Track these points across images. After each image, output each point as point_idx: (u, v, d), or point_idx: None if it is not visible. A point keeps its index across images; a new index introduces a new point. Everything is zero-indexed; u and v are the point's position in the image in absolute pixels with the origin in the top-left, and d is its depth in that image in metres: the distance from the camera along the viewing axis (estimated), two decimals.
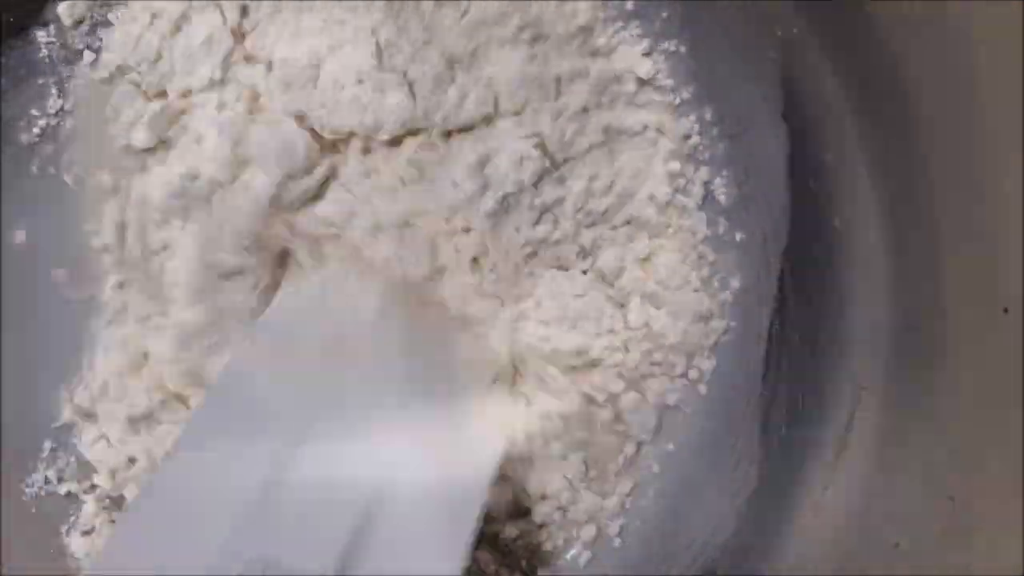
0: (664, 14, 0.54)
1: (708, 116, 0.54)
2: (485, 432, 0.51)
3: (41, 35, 0.56)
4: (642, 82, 0.54)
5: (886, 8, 0.48)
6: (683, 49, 0.54)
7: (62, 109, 0.56)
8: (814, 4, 0.53)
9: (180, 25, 0.54)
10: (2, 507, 0.55)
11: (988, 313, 0.44)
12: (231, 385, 0.49)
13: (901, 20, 0.48)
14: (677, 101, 0.54)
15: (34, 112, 0.56)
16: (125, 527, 0.45)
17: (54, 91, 0.56)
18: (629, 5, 0.54)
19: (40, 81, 0.56)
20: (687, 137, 0.54)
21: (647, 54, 0.54)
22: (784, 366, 0.56)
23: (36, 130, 0.56)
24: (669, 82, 0.54)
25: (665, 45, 0.54)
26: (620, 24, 0.54)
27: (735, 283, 0.55)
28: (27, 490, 0.56)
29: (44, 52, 0.56)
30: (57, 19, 0.56)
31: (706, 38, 0.54)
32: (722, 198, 0.55)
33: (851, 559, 0.51)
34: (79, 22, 0.56)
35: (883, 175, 0.53)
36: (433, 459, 0.47)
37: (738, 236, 0.54)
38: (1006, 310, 0.43)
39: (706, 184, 0.55)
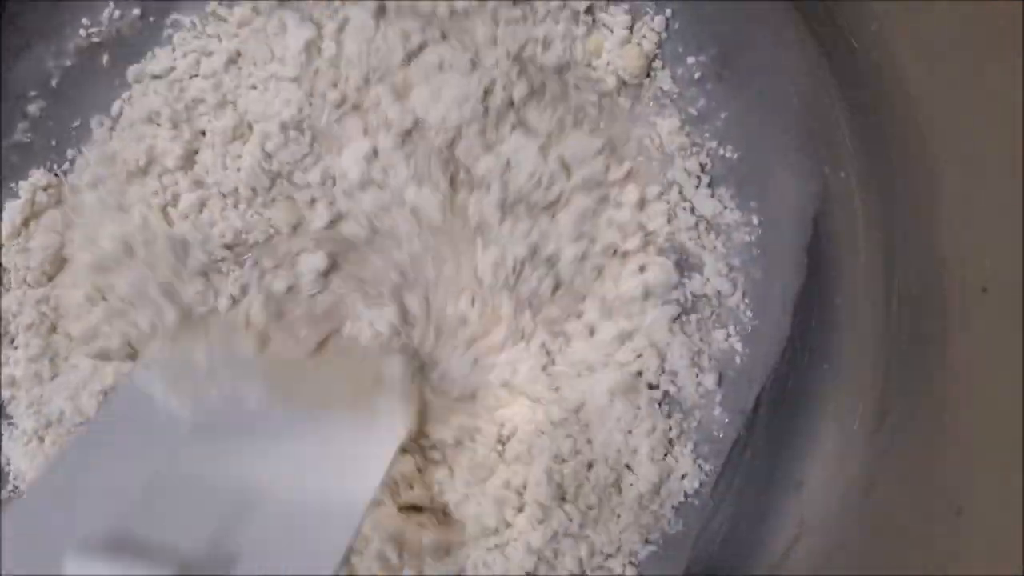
0: None
1: None
2: (376, 434, 0.53)
3: None
4: None
5: None
6: None
7: None
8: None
9: None
10: None
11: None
12: (130, 389, 0.52)
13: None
14: None
15: None
16: (23, 501, 0.47)
17: None
18: None
19: None
20: None
21: None
22: (734, 485, 0.57)
23: None
24: None
25: None
26: None
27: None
28: None
29: None
30: None
31: None
32: None
33: None
34: None
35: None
36: (317, 458, 0.50)
37: None
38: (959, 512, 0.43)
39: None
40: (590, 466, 0.56)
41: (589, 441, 0.56)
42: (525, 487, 0.55)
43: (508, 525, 0.55)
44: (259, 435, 0.51)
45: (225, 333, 0.55)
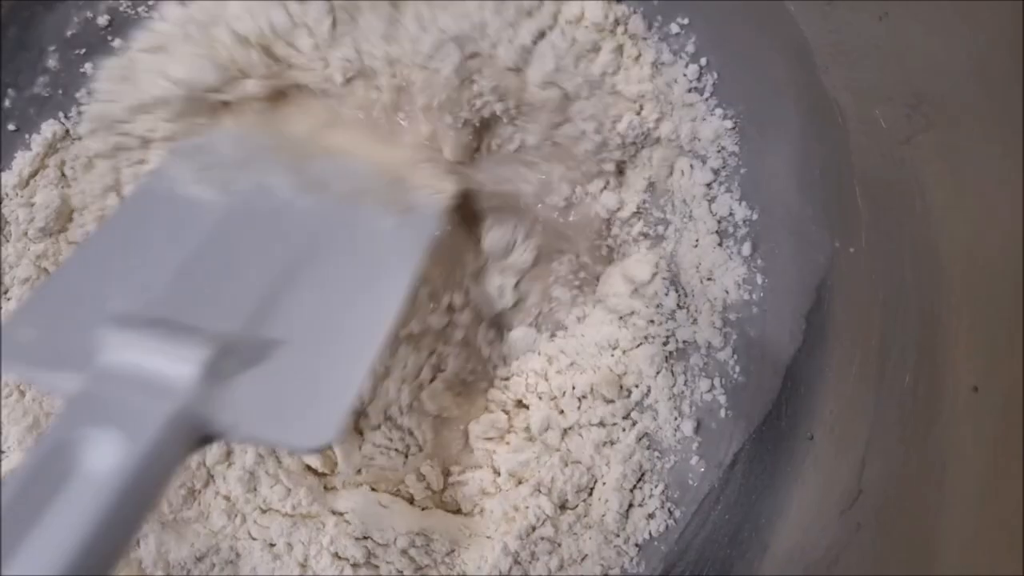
0: None
1: None
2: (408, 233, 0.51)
3: None
4: None
5: None
6: None
7: None
8: None
9: None
10: None
11: None
12: (157, 178, 0.51)
13: None
14: None
15: None
16: (50, 283, 0.47)
17: None
18: None
19: None
20: None
21: None
22: (701, 535, 0.58)
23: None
24: None
25: None
26: None
27: None
28: None
29: None
30: None
31: None
32: None
33: None
34: None
35: None
36: (349, 251, 0.49)
37: None
38: None
39: None
40: (566, 464, 0.57)
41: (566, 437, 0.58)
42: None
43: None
44: (290, 223, 0.49)
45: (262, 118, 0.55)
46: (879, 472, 0.50)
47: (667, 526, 0.58)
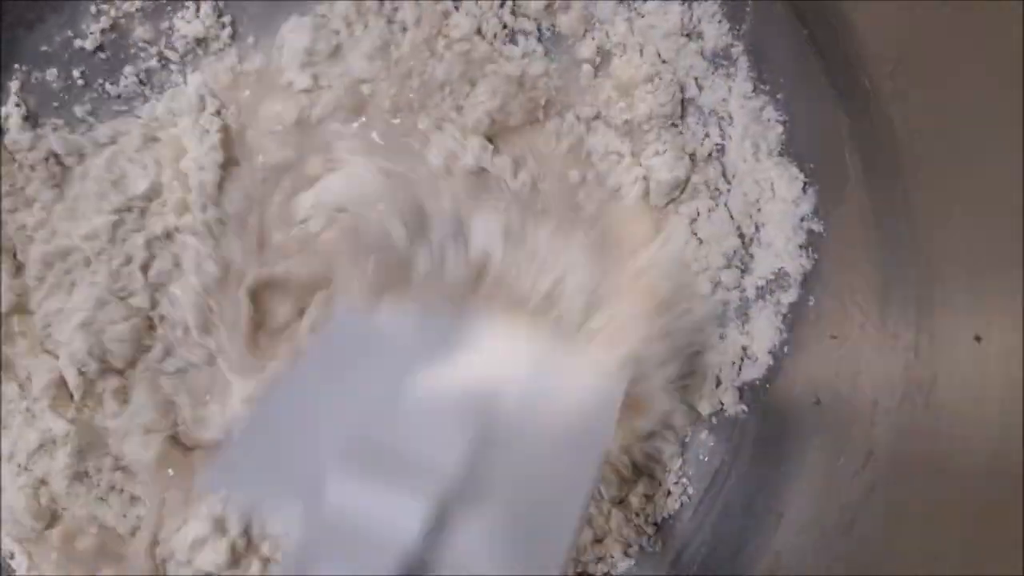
0: None
1: None
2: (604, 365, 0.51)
3: None
4: None
5: None
6: None
7: None
8: None
9: None
10: None
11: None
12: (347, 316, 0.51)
13: None
14: None
15: None
16: (241, 433, 0.47)
17: None
18: None
19: None
20: None
21: None
22: (715, 509, 0.58)
23: None
24: None
25: None
26: None
27: None
28: None
29: None
30: None
31: None
32: None
33: None
34: None
35: None
36: (554, 383, 0.49)
37: None
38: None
39: None
40: None
41: None
42: None
43: None
44: (491, 368, 0.48)
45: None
46: (889, 432, 0.50)
47: (682, 503, 0.58)
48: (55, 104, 0.56)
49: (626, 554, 0.58)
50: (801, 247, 0.56)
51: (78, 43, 0.55)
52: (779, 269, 0.57)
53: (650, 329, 0.53)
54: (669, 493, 0.58)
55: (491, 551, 0.41)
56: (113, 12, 0.56)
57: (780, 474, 0.55)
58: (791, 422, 0.56)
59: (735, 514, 0.57)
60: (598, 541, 0.57)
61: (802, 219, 0.56)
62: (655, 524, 0.58)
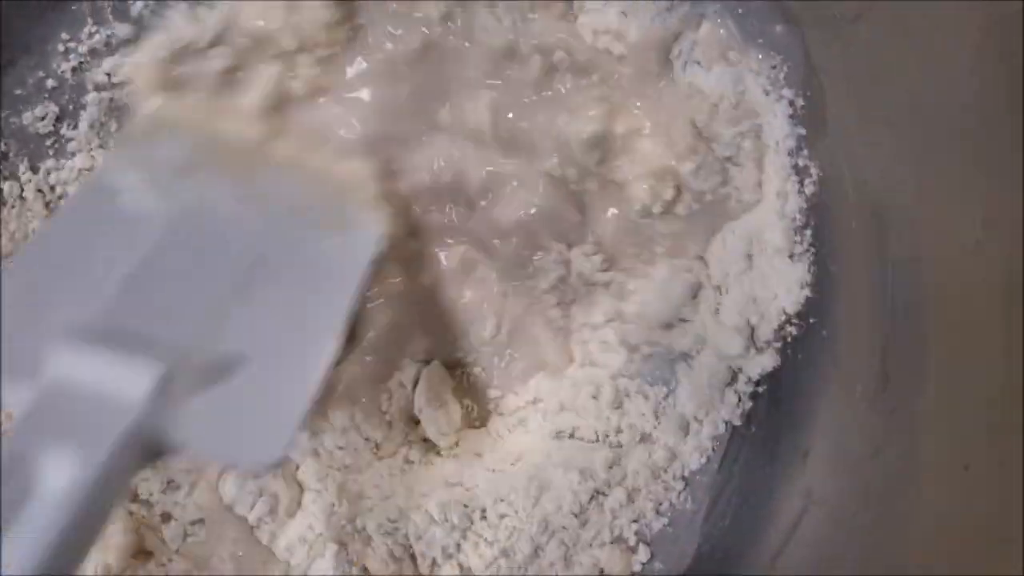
0: None
1: None
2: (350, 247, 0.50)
3: None
4: None
5: None
6: None
7: None
8: None
9: None
10: None
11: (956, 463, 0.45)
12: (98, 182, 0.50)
13: None
14: None
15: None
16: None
17: None
18: None
19: None
20: None
21: None
22: (741, 458, 0.57)
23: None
24: None
25: None
26: None
27: None
28: None
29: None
30: None
31: None
32: None
33: None
34: None
35: None
36: (293, 265, 0.48)
37: None
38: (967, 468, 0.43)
39: None
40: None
41: None
42: None
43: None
44: (236, 237, 0.48)
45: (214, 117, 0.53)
46: (903, 358, 0.49)
47: (708, 457, 0.58)
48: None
49: (658, 512, 0.57)
50: None
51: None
52: None
53: None
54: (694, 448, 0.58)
55: (225, 417, 0.40)
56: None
57: (800, 413, 0.55)
58: (803, 359, 0.56)
59: (761, 460, 0.57)
60: (631, 501, 0.57)
61: None
62: (683, 479, 0.58)
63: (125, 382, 0.38)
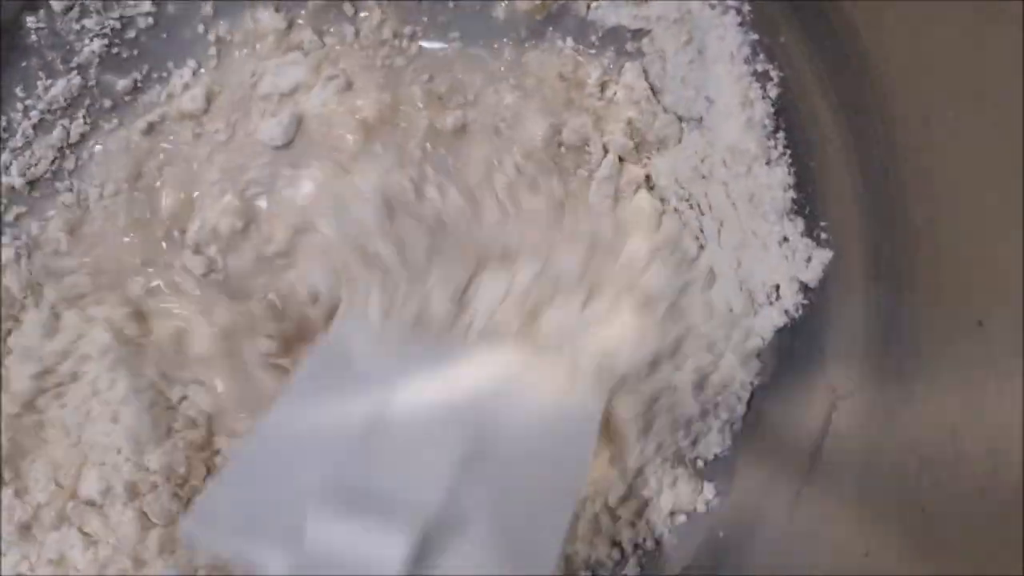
0: None
1: None
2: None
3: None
4: None
5: None
6: None
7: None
8: None
9: None
10: None
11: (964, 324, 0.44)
12: (322, 356, 0.50)
13: None
14: None
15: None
16: (225, 474, 0.46)
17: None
18: None
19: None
20: None
21: None
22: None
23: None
24: None
25: None
26: None
27: None
28: None
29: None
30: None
31: None
32: None
33: (819, 569, 0.50)
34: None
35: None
36: (537, 396, 0.49)
37: None
38: (980, 323, 0.42)
39: None
40: None
41: None
42: None
43: None
44: (471, 393, 0.49)
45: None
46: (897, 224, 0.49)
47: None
48: None
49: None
50: None
51: None
52: None
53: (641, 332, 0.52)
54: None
55: (477, 571, 0.41)
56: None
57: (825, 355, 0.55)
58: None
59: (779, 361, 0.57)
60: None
61: None
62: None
63: (383, 548, 0.40)
